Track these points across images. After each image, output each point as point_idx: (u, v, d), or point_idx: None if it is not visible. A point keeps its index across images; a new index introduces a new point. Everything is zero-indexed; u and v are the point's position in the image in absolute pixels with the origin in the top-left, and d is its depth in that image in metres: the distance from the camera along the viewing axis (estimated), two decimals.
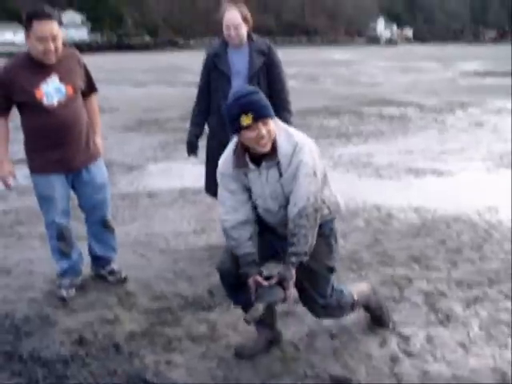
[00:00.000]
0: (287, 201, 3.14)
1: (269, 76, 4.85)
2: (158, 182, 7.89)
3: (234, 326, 3.82)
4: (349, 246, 5.24)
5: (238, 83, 4.73)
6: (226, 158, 3.22)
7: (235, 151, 3.17)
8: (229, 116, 3.03)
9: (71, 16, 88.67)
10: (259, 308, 3.02)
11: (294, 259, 3.07)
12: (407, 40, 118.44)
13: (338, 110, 14.64)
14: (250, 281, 3.12)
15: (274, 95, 4.72)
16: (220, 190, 3.27)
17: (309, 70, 31.34)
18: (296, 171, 3.05)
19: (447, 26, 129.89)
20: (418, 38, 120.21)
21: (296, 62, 37.62)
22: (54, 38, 3.87)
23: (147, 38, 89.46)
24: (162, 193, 7.26)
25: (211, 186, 5.05)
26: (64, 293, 4.30)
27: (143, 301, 4.25)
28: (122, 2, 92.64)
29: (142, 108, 15.97)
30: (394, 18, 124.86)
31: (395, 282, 4.47)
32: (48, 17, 3.84)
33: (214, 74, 4.88)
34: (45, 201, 4.21)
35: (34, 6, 3.93)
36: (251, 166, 3.13)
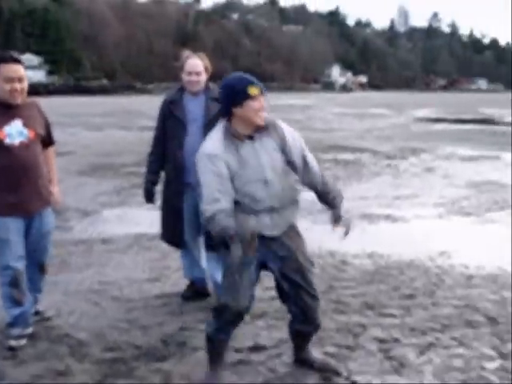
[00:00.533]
0: (284, 171, 3.43)
1: None
2: (113, 227, 7.82)
3: (188, 376, 3.77)
4: None
5: (194, 131, 4.75)
6: (214, 140, 3.28)
7: (225, 132, 3.30)
8: (236, 86, 3.22)
9: (29, 58, 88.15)
10: None
11: (338, 199, 3.65)
12: (362, 87, 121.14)
13: None
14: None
15: None
16: (205, 174, 3.23)
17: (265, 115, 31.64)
18: (302, 148, 3.53)
19: (400, 74, 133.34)
20: (372, 85, 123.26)
21: None
22: (21, 80, 4.08)
23: (105, 82, 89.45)
24: (117, 239, 7.19)
25: (166, 234, 5.05)
26: (13, 343, 4.18)
27: (96, 351, 4.16)
28: (79, 45, 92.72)
29: (97, 152, 15.90)
30: (348, 65, 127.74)
31: (350, 330, 4.48)
32: (15, 60, 4.08)
33: (170, 121, 4.88)
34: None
35: (1, 52, 4.24)
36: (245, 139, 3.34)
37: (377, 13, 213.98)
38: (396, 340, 4.31)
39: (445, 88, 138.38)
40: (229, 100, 3.25)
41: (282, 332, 4.20)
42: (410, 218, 8.24)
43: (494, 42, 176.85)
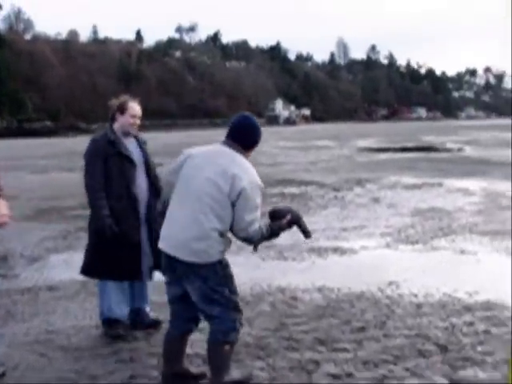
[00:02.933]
0: None
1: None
2: (60, 273, 7.63)
3: None
4: (255, 332, 5.21)
5: (139, 169, 5.13)
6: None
7: None
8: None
9: None
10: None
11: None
12: (305, 119, 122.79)
13: None
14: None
15: (155, 182, 5.16)
16: (258, 201, 3.85)
17: None
18: None
19: (342, 105, 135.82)
20: (316, 117, 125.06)
21: (197, 143, 37.90)
22: None
23: (48, 123, 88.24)
24: (64, 285, 7.02)
25: (121, 269, 5.05)
26: None
27: None
28: (21, 86, 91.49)
29: (42, 196, 15.60)
30: (291, 98, 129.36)
31: (303, 367, 4.45)
32: None
33: (115, 160, 5.03)
34: None
35: None
36: None
37: (317, 46, 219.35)
38: (349, 375, 4.30)
39: (386, 117, 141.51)
40: (259, 138, 4.04)
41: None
42: (357, 249, 8.32)
43: (430, 72, 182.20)
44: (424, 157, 25.14)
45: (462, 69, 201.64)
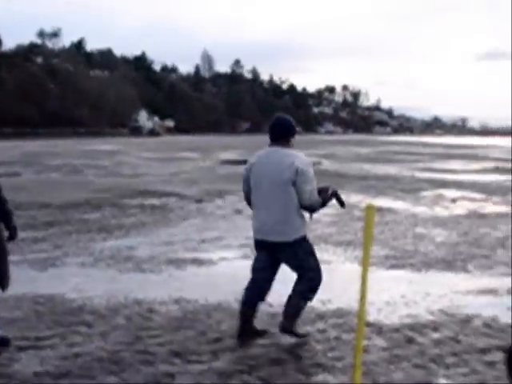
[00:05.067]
0: None
1: None
2: None
3: None
4: (109, 346, 5.07)
5: None
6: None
7: None
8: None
9: None
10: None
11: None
12: (169, 131, 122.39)
13: (99, 203, 14.39)
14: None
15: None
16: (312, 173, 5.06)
17: (72, 161, 30.80)
18: None
19: (206, 117, 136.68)
20: (180, 129, 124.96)
21: (59, 153, 36.85)
22: None
23: None
24: None
25: None
26: None
27: None
28: None
29: None
30: (155, 109, 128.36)
31: (158, 381, 4.39)
32: None
33: None
34: None
35: None
36: None
37: (182, 58, 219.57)
38: None
39: (249, 131, 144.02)
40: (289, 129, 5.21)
41: None
42: (216, 260, 8.36)
43: (292, 88, 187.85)
44: None
45: (322, 86, 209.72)
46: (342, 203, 5.32)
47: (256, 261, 5.40)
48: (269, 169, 5.02)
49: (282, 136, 5.13)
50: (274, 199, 5.00)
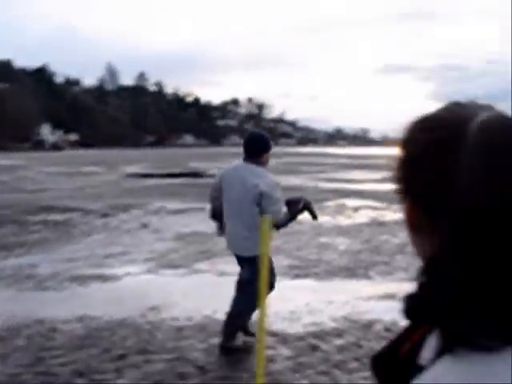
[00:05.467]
0: None
1: None
2: None
3: None
4: (8, 369, 4.90)
5: None
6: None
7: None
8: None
9: None
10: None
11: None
12: (73, 145, 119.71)
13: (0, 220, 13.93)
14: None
15: None
16: (279, 193, 5.13)
17: None
18: None
19: (110, 131, 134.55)
20: (84, 143, 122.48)
21: None
22: None
23: None
24: None
25: None
26: None
27: None
28: None
29: None
30: (58, 123, 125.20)
31: None
32: None
33: None
34: None
35: None
36: None
37: (86, 71, 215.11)
38: None
39: (154, 144, 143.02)
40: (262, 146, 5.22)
41: None
42: (121, 275, 8.22)
43: (197, 101, 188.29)
44: (189, 182, 25.73)
45: (227, 98, 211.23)
46: (314, 216, 5.26)
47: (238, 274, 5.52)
48: (236, 185, 5.16)
49: (254, 152, 5.19)
50: (239, 215, 5.15)
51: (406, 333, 0.88)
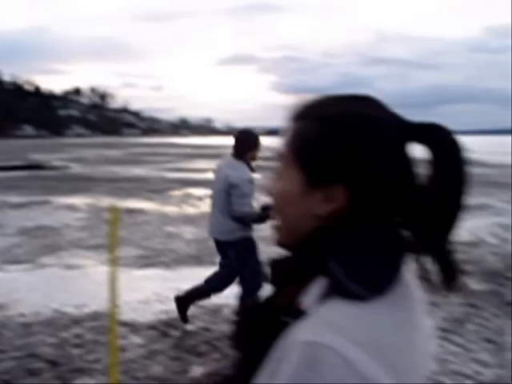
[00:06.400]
0: None
1: None
2: None
3: None
4: None
5: None
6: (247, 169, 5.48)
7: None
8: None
9: None
10: None
11: None
12: None
13: None
14: None
15: None
16: (249, 189, 5.32)
17: None
18: None
19: None
20: None
21: None
22: None
23: None
24: None
25: None
26: None
27: None
28: None
29: None
30: None
31: None
32: None
33: None
34: None
35: None
36: None
37: None
38: None
39: None
40: (247, 144, 5.42)
41: None
42: None
43: (37, 90, 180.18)
44: (31, 175, 24.78)
45: (69, 87, 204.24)
46: None
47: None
48: (216, 176, 5.58)
49: (239, 151, 5.46)
50: (215, 202, 5.55)
51: (277, 293, 1.06)
